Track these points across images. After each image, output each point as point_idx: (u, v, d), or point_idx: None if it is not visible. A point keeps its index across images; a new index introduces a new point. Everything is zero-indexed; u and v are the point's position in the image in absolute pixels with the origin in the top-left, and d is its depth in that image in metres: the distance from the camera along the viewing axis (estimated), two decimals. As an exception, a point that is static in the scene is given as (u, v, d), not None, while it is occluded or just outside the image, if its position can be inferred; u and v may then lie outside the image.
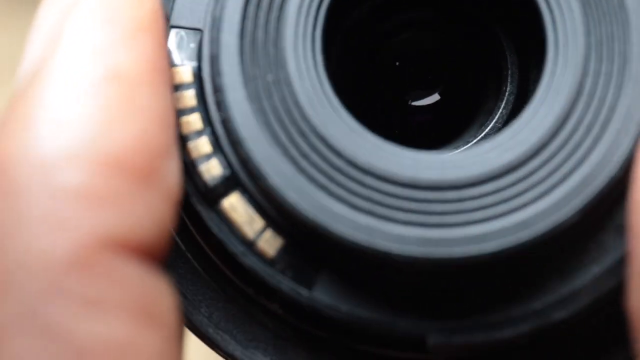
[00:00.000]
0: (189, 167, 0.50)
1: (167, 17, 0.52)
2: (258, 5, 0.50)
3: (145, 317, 0.45)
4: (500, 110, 0.57)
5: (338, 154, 0.48)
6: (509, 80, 0.56)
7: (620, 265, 0.50)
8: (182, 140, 0.50)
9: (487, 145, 0.49)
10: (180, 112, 0.50)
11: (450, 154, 0.50)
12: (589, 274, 0.50)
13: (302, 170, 0.48)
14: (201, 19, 0.52)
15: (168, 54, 0.51)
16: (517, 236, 0.47)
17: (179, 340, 0.48)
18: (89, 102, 0.46)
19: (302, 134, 0.48)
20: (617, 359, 0.52)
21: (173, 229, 0.51)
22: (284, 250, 0.50)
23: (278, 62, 0.49)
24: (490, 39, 0.57)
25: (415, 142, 0.57)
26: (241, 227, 0.50)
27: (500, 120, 0.56)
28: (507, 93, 0.56)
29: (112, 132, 0.46)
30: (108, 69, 0.47)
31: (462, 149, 0.56)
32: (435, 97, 0.58)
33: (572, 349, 0.52)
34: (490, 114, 0.57)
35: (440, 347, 0.49)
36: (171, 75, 0.51)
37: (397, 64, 0.58)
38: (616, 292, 0.50)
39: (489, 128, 0.56)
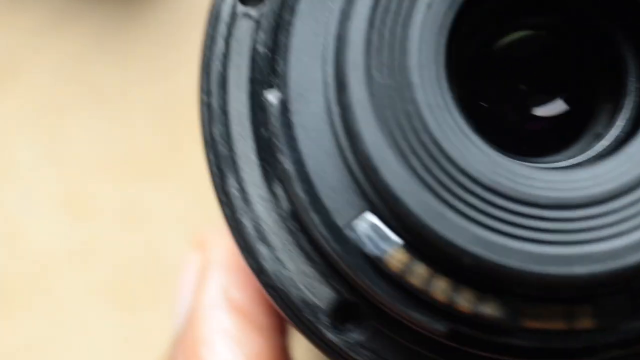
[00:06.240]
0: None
1: None
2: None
3: None
4: (622, 120, 0.54)
5: (492, 190, 0.47)
6: (629, 89, 0.54)
7: None
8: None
9: (617, 160, 0.48)
10: None
11: (586, 169, 0.49)
12: None
13: (470, 219, 0.47)
14: None
15: None
16: None
17: None
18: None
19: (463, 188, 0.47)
20: None
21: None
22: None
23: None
24: (611, 46, 0.55)
25: (531, 148, 0.56)
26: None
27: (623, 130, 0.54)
28: (629, 102, 0.54)
29: None
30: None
31: (587, 157, 0.54)
32: (559, 106, 0.55)
33: None
34: (610, 121, 0.54)
35: None
36: None
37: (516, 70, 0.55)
38: None
39: (610, 134, 0.54)
